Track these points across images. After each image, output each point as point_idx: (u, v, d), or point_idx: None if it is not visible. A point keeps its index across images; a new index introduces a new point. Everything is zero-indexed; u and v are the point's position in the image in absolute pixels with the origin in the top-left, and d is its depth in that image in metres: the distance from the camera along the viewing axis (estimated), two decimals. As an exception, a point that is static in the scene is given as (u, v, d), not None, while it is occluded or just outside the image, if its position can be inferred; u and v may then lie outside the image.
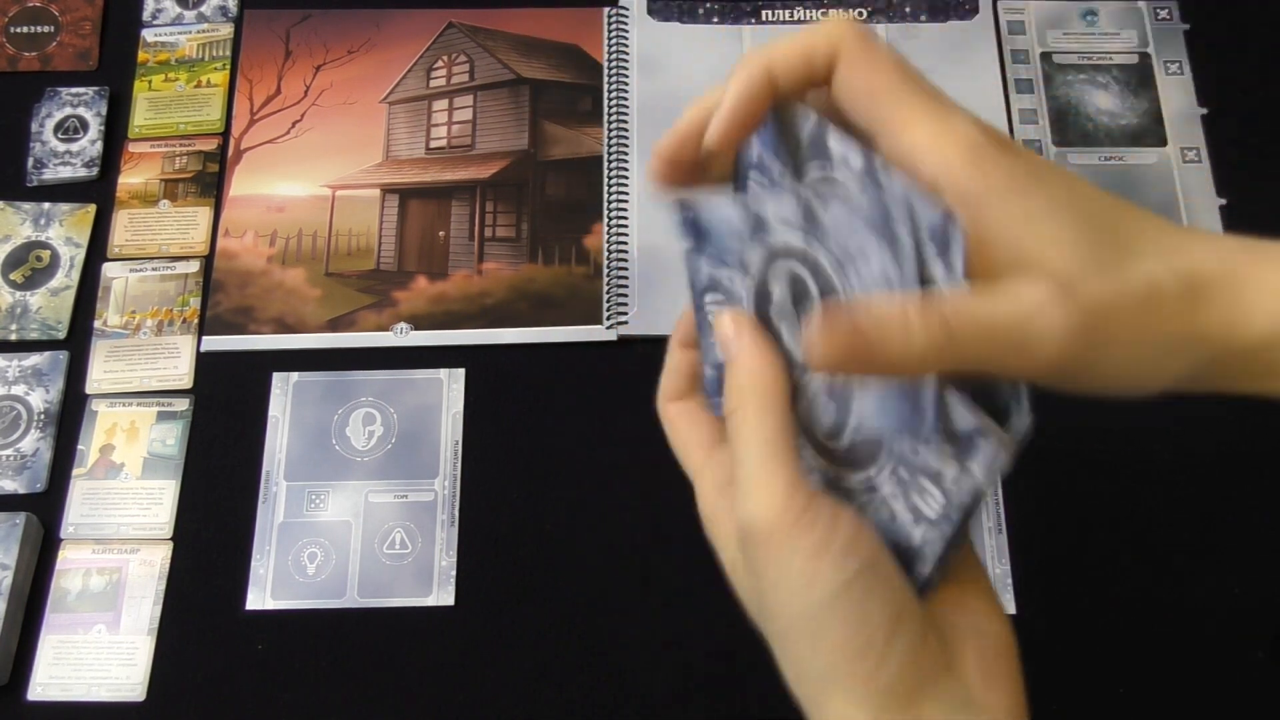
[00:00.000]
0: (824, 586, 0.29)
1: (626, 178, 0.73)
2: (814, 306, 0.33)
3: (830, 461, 0.34)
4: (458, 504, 0.65)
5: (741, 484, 0.31)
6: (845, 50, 0.32)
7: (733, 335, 0.34)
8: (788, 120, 0.35)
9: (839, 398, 0.33)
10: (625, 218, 0.72)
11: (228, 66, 0.77)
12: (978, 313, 0.28)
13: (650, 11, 0.78)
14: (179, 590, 0.63)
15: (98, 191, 0.74)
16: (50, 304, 0.70)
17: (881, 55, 0.32)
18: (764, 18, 0.78)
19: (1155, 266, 0.29)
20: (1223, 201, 0.72)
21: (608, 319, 0.69)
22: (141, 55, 0.78)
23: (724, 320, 0.34)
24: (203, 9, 0.79)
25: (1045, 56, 0.77)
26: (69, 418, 0.67)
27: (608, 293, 0.70)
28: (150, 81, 0.77)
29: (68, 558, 0.64)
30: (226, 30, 0.78)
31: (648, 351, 0.69)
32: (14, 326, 0.70)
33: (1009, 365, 0.29)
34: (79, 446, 0.66)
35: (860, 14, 0.78)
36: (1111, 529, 0.63)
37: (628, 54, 0.77)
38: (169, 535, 0.64)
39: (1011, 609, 0.62)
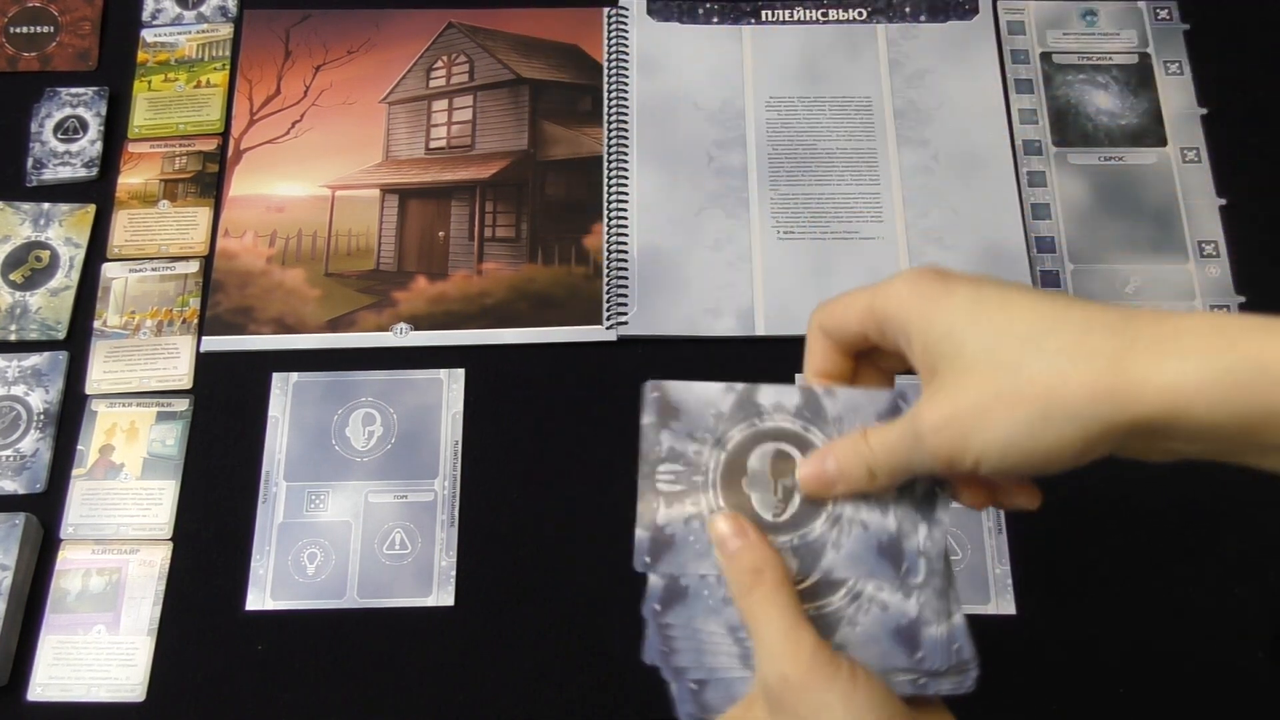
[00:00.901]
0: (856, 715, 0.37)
1: (626, 178, 0.73)
2: (795, 477, 0.41)
3: (804, 599, 0.40)
4: (458, 504, 0.65)
5: (768, 650, 0.38)
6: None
7: (732, 532, 0.40)
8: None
9: (803, 555, 0.40)
10: (625, 218, 0.72)
11: (227, 66, 0.77)
12: (888, 436, 0.39)
13: (650, 11, 0.78)
14: (179, 590, 0.63)
15: (97, 192, 0.74)
16: (50, 304, 0.70)
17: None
18: (764, 18, 0.78)
19: (1022, 354, 0.35)
20: (1223, 201, 0.72)
21: (607, 319, 0.69)
22: (141, 55, 0.78)
23: (720, 523, 0.40)
24: (202, 9, 0.79)
25: (1045, 56, 0.77)
26: (69, 418, 0.67)
27: (607, 293, 0.70)
28: (150, 81, 0.77)
29: (67, 558, 0.64)
30: (226, 30, 0.78)
31: (647, 351, 0.69)
32: (14, 327, 0.70)
33: (922, 464, 0.38)
34: (79, 447, 0.66)
35: (860, 14, 0.78)
36: (1111, 529, 0.63)
37: (628, 54, 0.77)
38: (169, 535, 0.64)
39: (1011, 609, 0.62)
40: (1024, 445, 0.35)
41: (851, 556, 0.40)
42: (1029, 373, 0.35)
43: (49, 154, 0.74)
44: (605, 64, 0.76)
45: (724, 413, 0.41)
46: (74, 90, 0.76)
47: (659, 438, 0.41)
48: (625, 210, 0.72)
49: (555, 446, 0.66)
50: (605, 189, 0.73)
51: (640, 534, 0.41)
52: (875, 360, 0.43)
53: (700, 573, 0.40)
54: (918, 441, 0.37)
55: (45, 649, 0.61)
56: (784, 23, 0.78)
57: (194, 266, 0.71)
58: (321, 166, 0.74)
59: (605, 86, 0.76)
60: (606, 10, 0.78)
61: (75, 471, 0.66)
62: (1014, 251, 0.70)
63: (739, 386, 0.42)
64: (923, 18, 0.78)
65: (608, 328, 0.69)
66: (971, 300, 0.37)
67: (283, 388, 0.68)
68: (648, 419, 0.41)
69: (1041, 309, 0.36)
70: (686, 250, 0.71)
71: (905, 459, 0.38)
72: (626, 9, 0.78)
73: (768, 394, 0.42)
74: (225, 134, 0.75)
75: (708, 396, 0.41)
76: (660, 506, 0.41)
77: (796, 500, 0.40)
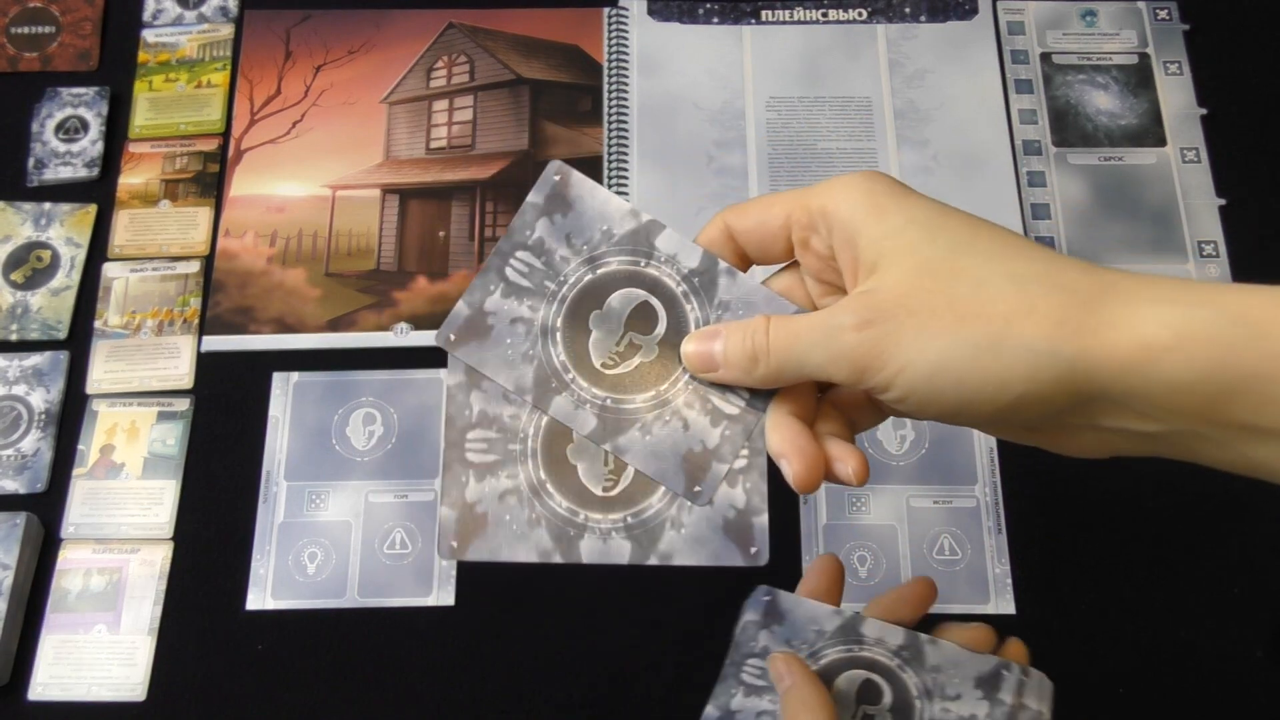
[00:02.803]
0: None
1: (626, 178, 0.73)
2: (880, 710, 0.39)
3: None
4: (458, 504, 0.65)
5: None
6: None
7: (786, 670, 0.39)
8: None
9: (607, 422, 0.37)
10: (625, 218, 0.72)
11: (228, 67, 0.77)
12: (794, 326, 0.34)
13: (650, 11, 0.78)
14: (179, 590, 0.63)
15: (98, 191, 0.74)
16: (51, 304, 0.70)
17: None
18: (764, 18, 0.78)
19: (986, 268, 0.31)
20: (1223, 201, 0.72)
21: (608, 319, 0.69)
22: (142, 55, 0.78)
23: (778, 660, 0.40)
24: (203, 9, 0.79)
25: (1045, 57, 0.77)
26: (69, 418, 0.67)
27: (608, 293, 0.70)
28: (150, 82, 0.77)
29: (68, 558, 0.64)
30: (227, 30, 0.78)
31: (648, 351, 0.69)
32: (14, 326, 0.70)
33: (820, 368, 0.33)
34: (79, 446, 0.66)
35: (860, 14, 0.78)
36: (1111, 529, 0.63)
37: (628, 54, 0.77)
38: (169, 535, 0.64)
39: (1011, 609, 0.62)
40: (959, 370, 0.30)
41: (652, 451, 0.37)
42: (991, 290, 0.30)
43: (50, 154, 0.74)
44: (605, 64, 0.77)
45: (825, 630, 0.41)
46: (75, 90, 0.76)
47: (757, 635, 0.41)
48: (625, 210, 0.72)
49: (555, 446, 0.66)
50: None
51: (713, 713, 0.41)
52: (794, 268, 0.39)
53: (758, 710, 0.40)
54: (831, 335, 0.32)
55: (46, 648, 0.61)
56: (784, 23, 0.78)
57: (195, 266, 0.71)
58: (322, 166, 0.74)
59: (605, 86, 0.76)
60: (606, 10, 0.78)
61: (76, 471, 0.66)
62: (1014, 251, 0.70)
63: (848, 610, 0.41)
64: (923, 18, 0.78)
65: (608, 328, 0.69)
66: (937, 210, 0.33)
67: (283, 388, 0.68)
68: (751, 615, 0.42)
69: (1010, 236, 0.32)
70: (686, 250, 0.71)
71: (803, 355, 0.33)
72: (626, 9, 0.78)
73: (875, 626, 0.41)
74: (226, 134, 0.75)
75: (812, 612, 0.42)
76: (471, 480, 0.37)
77: (635, 361, 0.38)
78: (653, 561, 0.37)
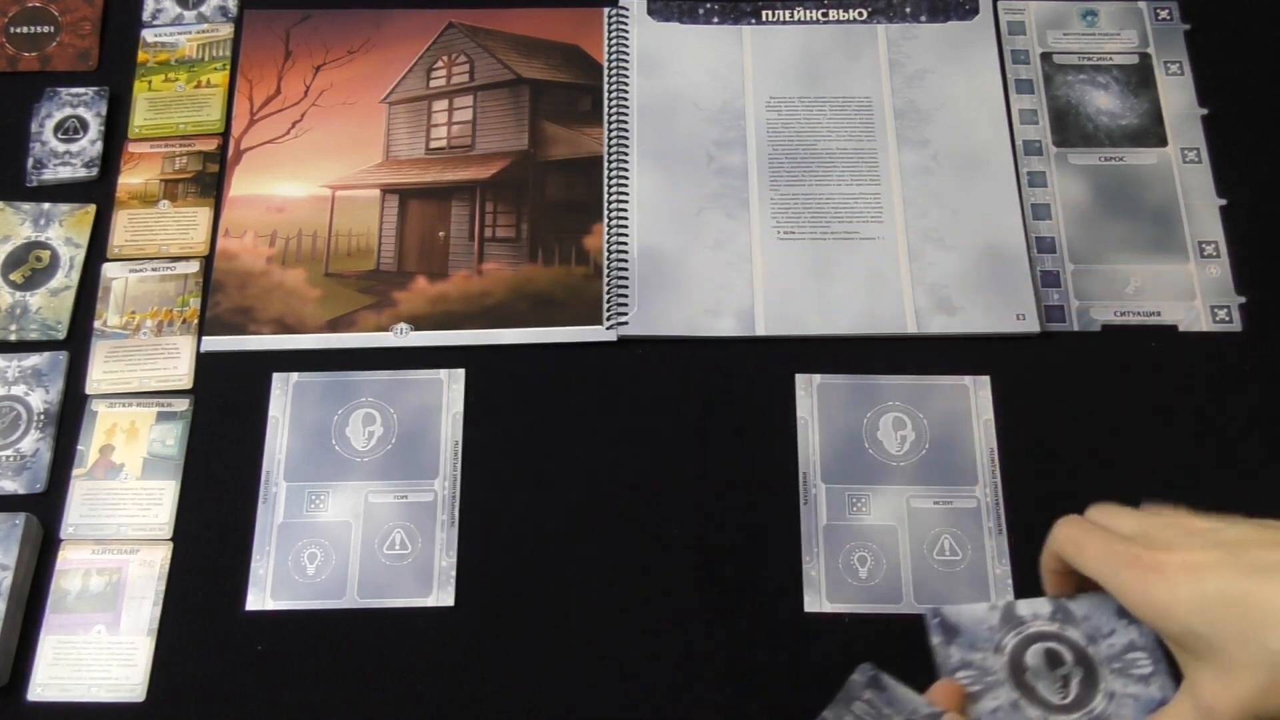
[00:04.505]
0: None
1: (626, 178, 0.73)
2: (1068, 666, 0.47)
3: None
4: (458, 504, 0.65)
5: None
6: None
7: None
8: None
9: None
10: (625, 218, 0.72)
11: (228, 67, 0.77)
12: (1195, 701, 0.41)
13: (650, 11, 0.78)
14: (179, 590, 0.63)
15: (98, 192, 0.74)
16: (50, 304, 0.70)
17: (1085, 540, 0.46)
18: (764, 18, 0.78)
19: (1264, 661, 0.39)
20: (1223, 202, 0.72)
21: (608, 319, 0.69)
22: (141, 55, 0.78)
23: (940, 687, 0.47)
24: (203, 9, 0.79)
25: (1045, 57, 0.77)
26: (69, 418, 0.67)
27: (608, 293, 0.70)
28: (150, 82, 0.77)
29: (67, 558, 0.64)
30: (226, 30, 0.78)
31: (647, 352, 0.69)
32: (14, 327, 0.70)
33: None
34: (79, 447, 0.66)
35: (860, 14, 0.78)
36: (1112, 529, 0.63)
37: (628, 54, 0.77)
38: (169, 536, 0.64)
39: (1012, 609, 0.62)
40: None
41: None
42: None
43: (49, 154, 0.74)
44: (605, 64, 0.76)
45: (994, 626, 0.49)
46: (74, 90, 0.76)
47: (950, 652, 0.49)
48: (625, 210, 0.72)
49: (555, 446, 0.66)
50: (605, 189, 0.73)
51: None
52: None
53: None
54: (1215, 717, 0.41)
55: (45, 649, 0.61)
56: (784, 23, 0.78)
57: (194, 266, 0.71)
58: (322, 166, 0.74)
59: (605, 86, 0.76)
60: (606, 10, 0.78)
61: (75, 471, 0.66)
62: (1014, 251, 0.70)
63: (999, 604, 0.50)
64: (923, 18, 0.78)
65: (608, 328, 0.69)
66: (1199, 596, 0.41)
67: (283, 388, 0.68)
68: (935, 639, 0.49)
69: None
70: (686, 250, 0.71)
71: None
72: (626, 9, 0.78)
73: (1022, 605, 0.49)
74: (225, 134, 0.75)
75: (975, 615, 0.49)
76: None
77: (1074, 685, 0.47)
78: None
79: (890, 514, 0.64)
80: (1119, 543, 0.44)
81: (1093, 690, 0.47)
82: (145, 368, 0.68)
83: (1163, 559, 0.42)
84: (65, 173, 0.74)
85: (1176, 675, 0.44)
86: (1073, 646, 0.48)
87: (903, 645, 0.61)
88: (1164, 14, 0.78)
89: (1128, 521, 0.45)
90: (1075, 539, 0.46)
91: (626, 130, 0.74)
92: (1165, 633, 0.42)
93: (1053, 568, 0.48)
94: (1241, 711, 0.39)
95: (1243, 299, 0.69)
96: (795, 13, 0.78)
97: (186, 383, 0.68)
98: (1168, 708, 0.43)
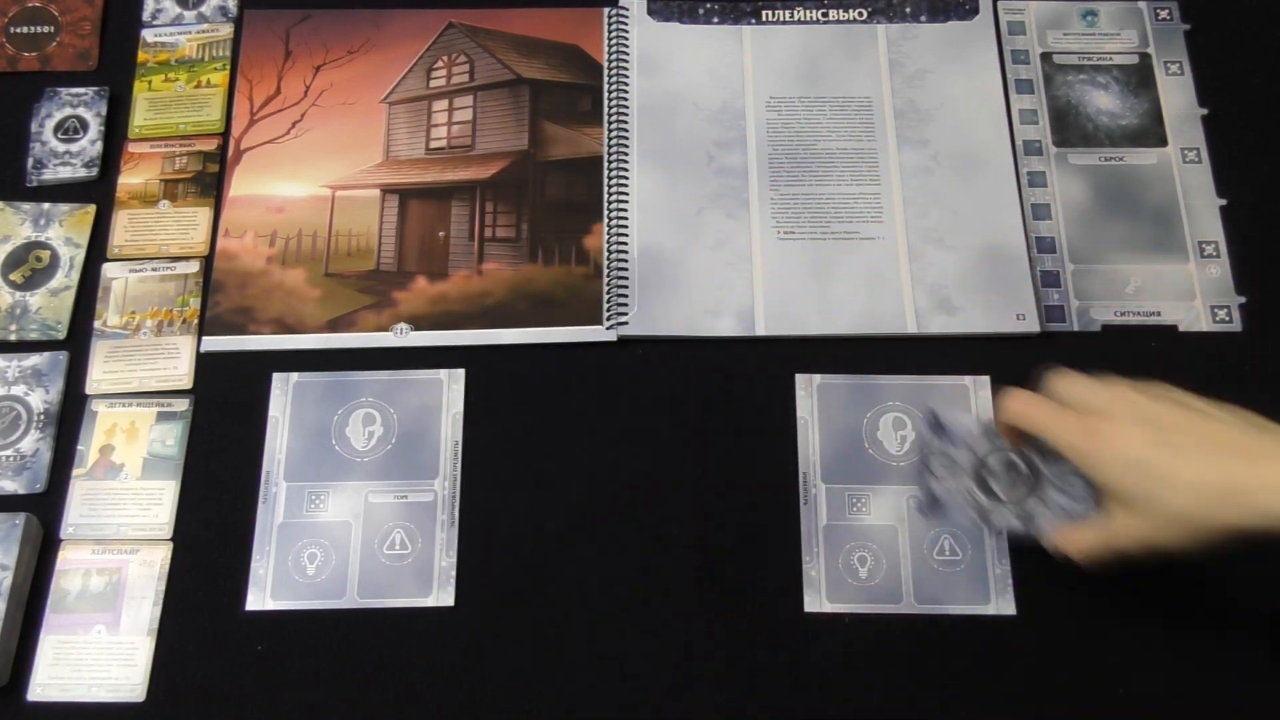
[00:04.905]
0: None
1: (626, 178, 0.73)
2: (1020, 473, 0.58)
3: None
4: (458, 504, 0.65)
5: None
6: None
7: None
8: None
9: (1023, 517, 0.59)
10: (625, 218, 0.72)
11: (228, 67, 0.77)
12: (1106, 530, 0.54)
13: (650, 11, 0.78)
14: (179, 590, 0.63)
15: (97, 192, 0.74)
16: (50, 304, 0.70)
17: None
18: (764, 18, 0.78)
19: (1185, 501, 0.50)
20: (1223, 202, 0.72)
21: (608, 319, 0.69)
22: (141, 55, 0.78)
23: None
24: (203, 9, 0.79)
25: (1045, 57, 0.77)
26: (69, 418, 0.67)
27: (608, 293, 0.70)
28: (150, 82, 0.77)
29: (67, 558, 0.64)
30: (226, 30, 0.78)
31: (647, 352, 0.69)
32: (14, 327, 0.70)
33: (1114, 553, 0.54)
34: (79, 447, 0.66)
35: (860, 14, 0.78)
36: (1112, 529, 0.63)
37: (628, 54, 0.77)
38: (169, 536, 0.64)
39: (1012, 609, 0.62)
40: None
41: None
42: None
43: (49, 154, 0.74)
44: (605, 64, 0.76)
45: (977, 434, 0.59)
46: (74, 90, 0.76)
47: (933, 440, 0.60)
48: (625, 210, 0.72)
49: (555, 446, 0.66)
50: (605, 189, 0.73)
51: (922, 496, 0.60)
52: None
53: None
54: (1116, 543, 0.54)
55: (45, 649, 0.61)
56: (784, 23, 0.78)
57: (194, 266, 0.71)
58: (322, 166, 0.74)
59: (605, 86, 0.76)
60: (606, 10, 0.78)
61: (75, 471, 0.66)
62: (1014, 251, 0.70)
63: (984, 418, 0.62)
64: (923, 18, 0.78)
65: (608, 328, 0.69)
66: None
67: (283, 388, 0.68)
68: (926, 431, 0.60)
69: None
70: (686, 250, 0.71)
71: (1103, 546, 0.54)
72: (626, 9, 0.78)
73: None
74: (225, 134, 0.75)
75: (964, 422, 0.60)
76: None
77: (1020, 487, 0.58)
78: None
79: (890, 514, 0.64)
80: (1064, 410, 0.54)
81: (1032, 494, 0.57)
82: (145, 368, 0.68)
83: (1100, 426, 0.52)
84: (65, 173, 0.74)
85: (1099, 503, 0.54)
86: (1029, 462, 0.57)
87: (903, 645, 0.61)
88: (1164, 14, 0.78)
89: (1080, 388, 0.54)
90: (1022, 411, 0.55)
91: (626, 130, 0.74)
92: (1096, 480, 0.53)
93: (1005, 427, 0.58)
94: (1137, 542, 0.52)
95: (1243, 299, 0.69)
96: (795, 13, 0.78)
97: (186, 383, 0.68)
98: (1087, 522, 0.55)
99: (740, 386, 0.67)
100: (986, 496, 0.58)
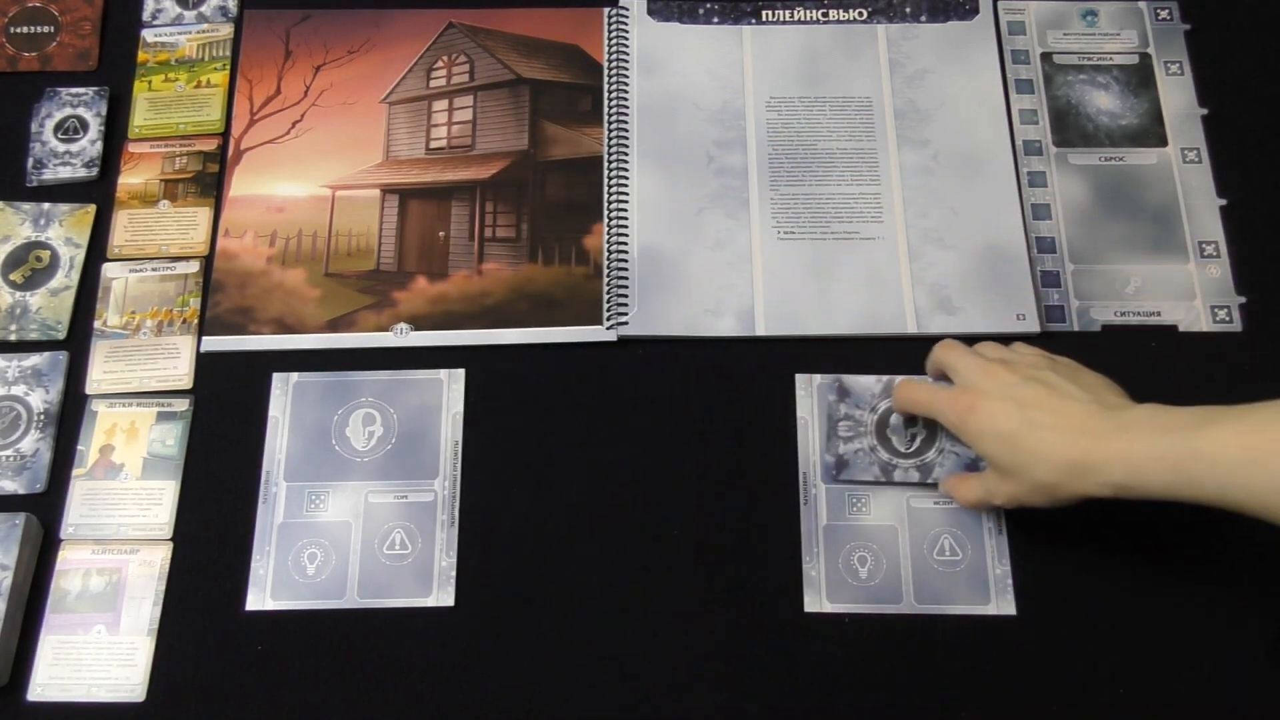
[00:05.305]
0: None
1: (626, 178, 0.73)
2: (918, 427, 0.65)
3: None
4: (458, 504, 0.65)
5: None
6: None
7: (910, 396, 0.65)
8: None
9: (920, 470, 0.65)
10: (625, 218, 0.72)
11: (228, 67, 0.77)
12: (985, 485, 0.60)
13: (650, 11, 0.78)
14: (179, 590, 0.63)
15: (98, 192, 0.74)
16: (50, 304, 0.70)
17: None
18: (764, 18, 0.78)
19: (1042, 472, 0.56)
20: (1223, 202, 0.72)
21: (608, 319, 0.69)
22: (141, 55, 0.78)
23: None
24: (203, 9, 0.79)
25: (1045, 57, 0.77)
26: (69, 418, 0.67)
27: (608, 293, 0.70)
28: (150, 82, 0.77)
29: (67, 558, 0.64)
30: (226, 30, 0.78)
31: (647, 352, 0.69)
32: (14, 327, 0.70)
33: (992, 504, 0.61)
34: (79, 447, 0.66)
35: (860, 14, 0.78)
36: (1111, 529, 0.63)
37: (628, 54, 0.77)
38: (169, 535, 0.64)
39: (1012, 609, 0.62)
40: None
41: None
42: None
43: (49, 154, 0.74)
44: (605, 64, 0.76)
45: (876, 393, 0.65)
46: (74, 90, 0.76)
47: (838, 407, 0.65)
48: (625, 210, 0.72)
49: (555, 446, 0.66)
50: (605, 189, 0.73)
51: (828, 460, 0.65)
52: None
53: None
54: (993, 498, 0.60)
55: (45, 649, 0.61)
56: (784, 23, 0.78)
57: (194, 266, 0.71)
58: (322, 166, 0.74)
59: (605, 86, 0.76)
60: (606, 10, 0.78)
61: (75, 471, 0.66)
62: (1014, 251, 0.70)
63: (884, 378, 0.66)
64: (923, 18, 0.78)
65: (608, 328, 0.69)
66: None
67: (283, 388, 0.68)
68: (831, 397, 0.65)
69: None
70: (686, 250, 0.71)
71: (983, 498, 0.61)
72: (626, 9, 0.78)
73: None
74: (225, 134, 0.75)
75: (864, 384, 0.66)
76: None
77: (918, 441, 0.65)
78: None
79: (890, 514, 0.64)
80: (943, 390, 0.60)
81: (930, 446, 0.64)
82: (145, 368, 0.68)
83: (974, 402, 0.58)
84: (65, 173, 0.74)
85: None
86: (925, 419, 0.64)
87: (903, 645, 0.61)
88: (1164, 14, 0.78)
89: (962, 360, 0.60)
90: (909, 398, 0.62)
91: (626, 130, 0.74)
92: (973, 449, 0.60)
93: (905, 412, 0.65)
94: (1009, 499, 0.58)
95: (1243, 299, 0.69)
96: (795, 13, 0.78)
97: (186, 383, 0.68)
98: (969, 476, 0.61)
99: (740, 386, 0.67)
100: (888, 452, 0.64)
